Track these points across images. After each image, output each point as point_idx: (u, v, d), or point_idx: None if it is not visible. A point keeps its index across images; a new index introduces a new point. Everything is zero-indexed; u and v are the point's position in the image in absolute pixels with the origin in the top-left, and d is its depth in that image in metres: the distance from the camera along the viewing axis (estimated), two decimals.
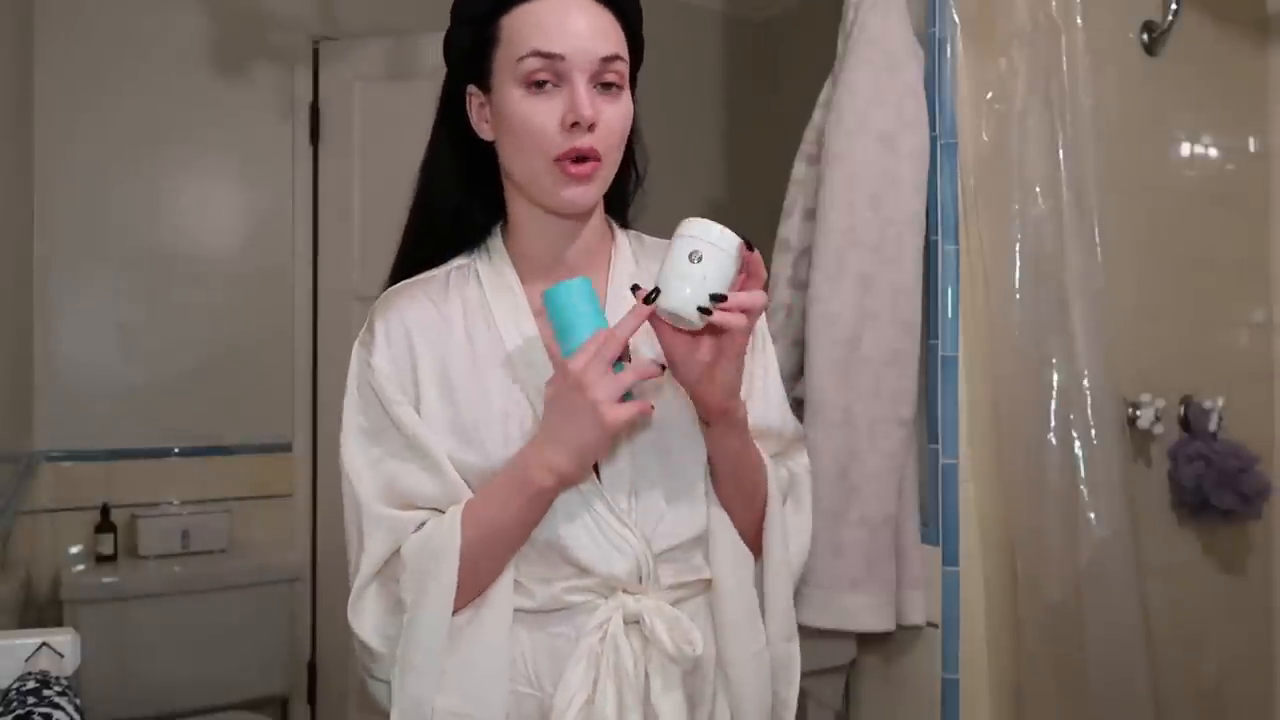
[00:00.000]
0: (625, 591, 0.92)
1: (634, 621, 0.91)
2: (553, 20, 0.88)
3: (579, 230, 0.98)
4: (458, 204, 1.00)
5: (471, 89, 0.96)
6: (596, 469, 0.92)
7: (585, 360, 0.82)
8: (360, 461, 0.92)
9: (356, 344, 0.97)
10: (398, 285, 1.00)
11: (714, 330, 0.84)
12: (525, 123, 0.89)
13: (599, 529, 0.91)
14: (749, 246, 0.83)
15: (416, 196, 1.02)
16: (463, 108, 0.97)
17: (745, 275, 0.85)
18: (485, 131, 0.96)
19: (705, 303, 0.81)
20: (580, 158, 0.88)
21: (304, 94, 2.43)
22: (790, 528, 1.03)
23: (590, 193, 0.91)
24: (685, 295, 0.81)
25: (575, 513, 0.91)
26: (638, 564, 0.91)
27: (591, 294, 0.86)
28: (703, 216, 0.84)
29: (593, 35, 0.88)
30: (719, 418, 0.91)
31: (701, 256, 0.81)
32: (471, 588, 0.89)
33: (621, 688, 0.88)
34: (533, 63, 0.88)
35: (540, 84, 0.88)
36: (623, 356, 0.85)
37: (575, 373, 0.82)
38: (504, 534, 0.89)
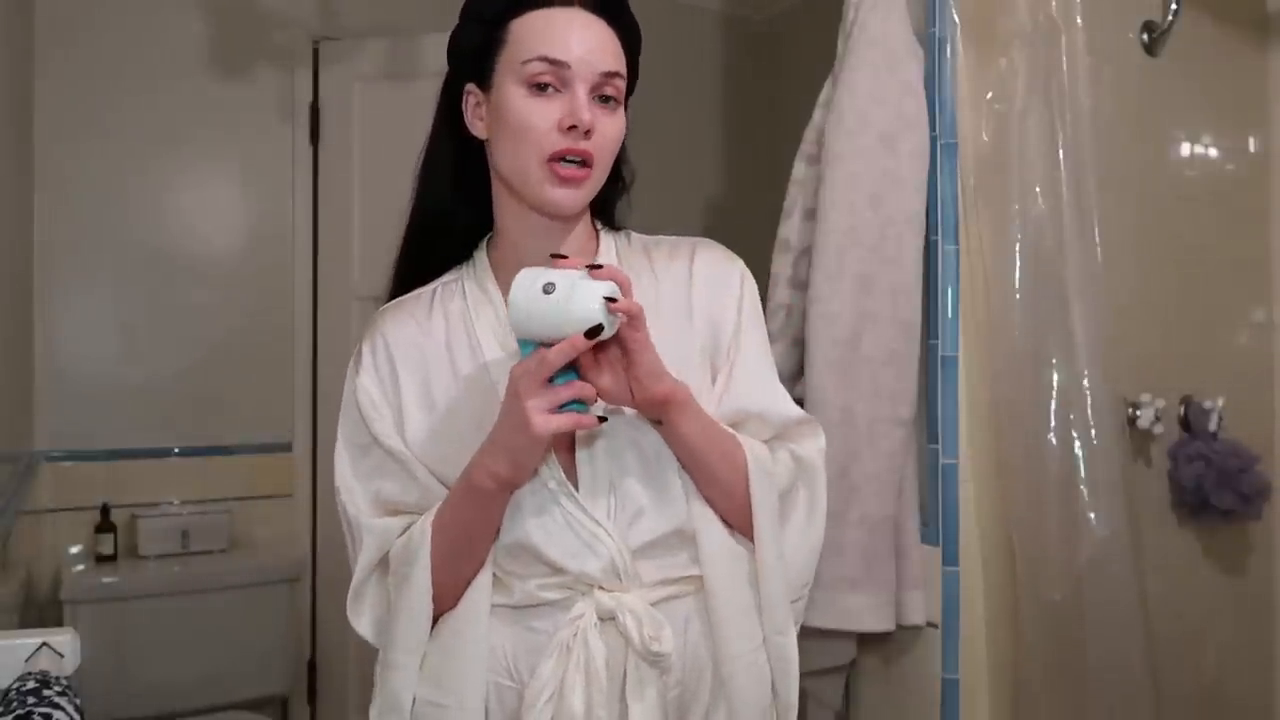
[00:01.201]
0: (602, 589, 0.93)
1: (611, 618, 0.92)
2: (562, 29, 0.92)
3: (564, 234, 0.99)
4: (448, 203, 1.02)
5: (470, 87, 0.98)
6: (574, 472, 0.94)
7: (524, 368, 0.84)
8: (349, 475, 0.99)
9: (351, 362, 1.01)
10: (388, 304, 1.04)
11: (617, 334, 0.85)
12: (524, 121, 0.92)
13: (570, 528, 0.92)
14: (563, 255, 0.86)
15: (414, 197, 1.05)
16: (460, 105, 1.00)
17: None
18: (479, 130, 0.98)
19: (604, 298, 0.81)
20: (571, 160, 0.91)
21: (304, 94, 2.42)
22: (802, 518, 1.02)
23: (575, 197, 0.94)
24: (593, 310, 0.81)
25: (547, 513, 0.93)
26: (612, 562, 0.92)
27: None
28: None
29: (597, 49, 0.93)
30: (664, 405, 0.90)
31: (554, 284, 0.82)
32: (452, 587, 0.93)
33: (590, 684, 0.89)
34: (538, 66, 0.91)
35: (543, 87, 0.92)
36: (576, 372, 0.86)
37: (514, 378, 0.84)
38: (466, 536, 0.92)
